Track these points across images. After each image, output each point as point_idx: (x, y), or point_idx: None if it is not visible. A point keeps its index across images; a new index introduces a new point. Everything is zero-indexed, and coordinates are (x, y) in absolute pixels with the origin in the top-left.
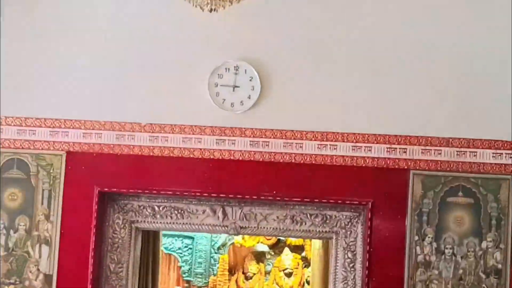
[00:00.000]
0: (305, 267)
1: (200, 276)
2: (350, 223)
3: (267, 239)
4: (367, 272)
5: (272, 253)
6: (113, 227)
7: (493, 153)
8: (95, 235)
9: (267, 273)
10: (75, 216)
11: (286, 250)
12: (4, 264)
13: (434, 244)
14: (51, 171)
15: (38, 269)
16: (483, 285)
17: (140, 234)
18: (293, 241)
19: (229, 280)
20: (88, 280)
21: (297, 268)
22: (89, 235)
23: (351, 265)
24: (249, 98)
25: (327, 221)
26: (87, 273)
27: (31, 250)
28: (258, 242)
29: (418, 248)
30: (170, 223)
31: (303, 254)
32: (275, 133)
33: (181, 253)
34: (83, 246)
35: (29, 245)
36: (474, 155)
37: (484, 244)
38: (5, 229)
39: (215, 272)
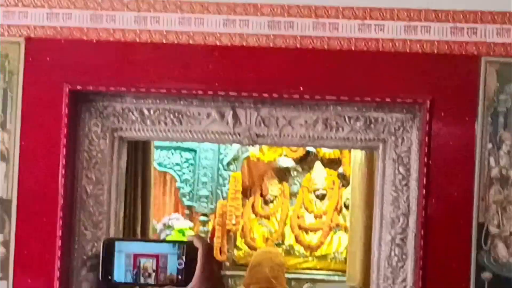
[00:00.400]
0: (342, 187)
1: (205, 200)
2: (402, 128)
3: (293, 151)
4: (424, 191)
5: (300, 170)
6: (90, 137)
7: None
8: (65, 148)
9: (293, 195)
10: (39, 123)
11: (318, 165)
12: None
13: None
14: (6, 64)
15: None
16: None
17: (125, 145)
18: (327, 153)
19: (243, 205)
20: (58, 206)
21: (332, 188)
22: (58, 148)
23: (403, 182)
24: None
25: (372, 126)
26: (56, 197)
27: None
28: (280, 155)
29: (492, 159)
30: (164, 130)
31: (340, 170)
32: (302, 10)
33: (179, 171)
34: (50, 162)
35: None
36: None
37: None
38: None
39: (224, 195)
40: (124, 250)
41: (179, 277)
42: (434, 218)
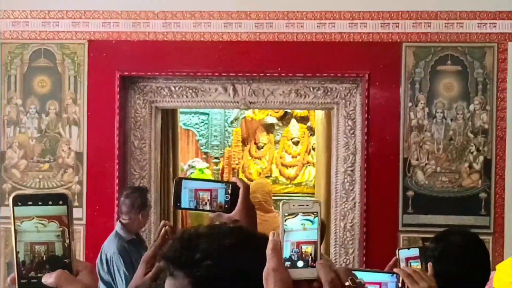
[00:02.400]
0: (310, 135)
1: (216, 147)
2: (349, 94)
3: (275, 112)
4: (366, 137)
5: (280, 124)
6: (135, 107)
7: (478, 23)
8: (119, 115)
9: (277, 142)
10: (100, 99)
11: (293, 121)
12: (39, 145)
13: (426, 109)
14: (75, 58)
15: (69, 148)
16: (472, 144)
17: (160, 112)
18: (299, 112)
19: (243, 150)
20: (115, 155)
21: (303, 137)
22: (114, 115)
23: (351, 131)
24: None
25: (328, 93)
26: (113, 150)
27: (62, 131)
28: (267, 115)
29: (411, 113)
30: (186, 101)
31: (309, 124)
32: (278, 15)
33: (198, 128)
34: (108, 126)
35: (60, 127)
36: (461, 26)
37: (471, 107)
38: (37, 113)
39: (229, 143)
40: (188, 186)
41: (226, 206)
42: (373, 155)
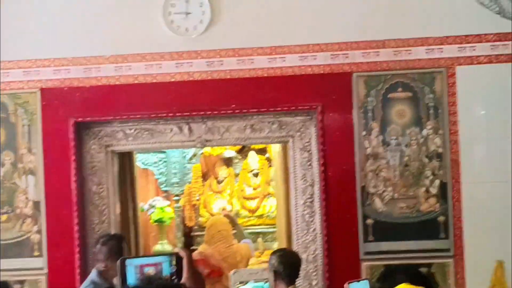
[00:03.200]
0: (269, 166)
1: (176, 185)
2: (303, 126)
3: (234, 146)
4: (323, 168)
5: (239, 157)
6: (91, 153)
7: (426, 49)
8: (75, 161)
9: (236, 175)
10: (55, 147)
11: (252, 153)
12: None
13: (380, 137)
14: (28, 108)
15: (26, 198)
16: (427, 168)
17: (116, 156)
18: (257, 145)
19: (203, 185)
20: (73, 202)
21: (263, 168)
22: (70, 162)
23: (308, 163)
24: (201, 22)
25: (283, 127)
26: (71, 197)
27: (18, 181)
28: (225, 149)
29: (366, 141)
30: (141, 143)
31: (267, 155)
32: (228, 52)
33: (156, 166)
34: (65, 173)
35: (16, 177)
36: (409, 53)
37: (424, 132)
38: None
39: (189, 180)
40: (133, 263)
41: (172, 277)
42: (331, 185)
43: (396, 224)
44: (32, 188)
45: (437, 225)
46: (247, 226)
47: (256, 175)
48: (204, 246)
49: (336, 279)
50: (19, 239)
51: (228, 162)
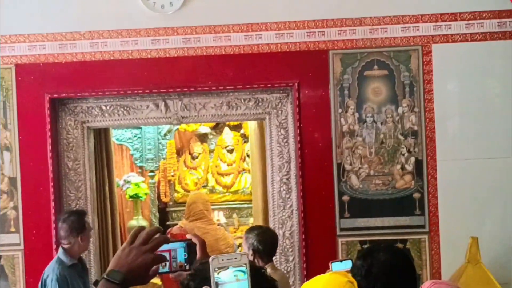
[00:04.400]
0: (244, 143)
1: (151, 161)
2: (280, 103)
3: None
4: (299, 145)
5: (214, 133)
6: (66, 129)
7: (401, 27)
8: (51, 138)
9: (211, 151)
10: (31, 123)
11: (226, 129)
12: None
13: (356, 114)
14: (3, 83)
15: (2, 174)
16: (402, 146)
17: (92, 132)
18: (232, 122)
19: (178, 161)
20: (49, 178)
21: (237, 144)
22: (46, 138)
23: (284, 140)
24: None
25: (260, 104)
26: (47, 173)
27: None
28: (200, 125)
29: (342, 119)
30: (118, 119)
31: (242, 131)
32: (205, 29)
33: (131, 143)
34: (41, 149)
35: None
36: (385, 31)
37: (400, 110)
38: None
39: (164, 156)
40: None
41: (185, 264)
42: (307, 162)
43: (372, 201)
44: (7, 164)
45: (413, 202)
46: (222, 201)
47: (230, 151)
48: (184, 221)
49: (312, 255)
50: None
51: (202, 138)
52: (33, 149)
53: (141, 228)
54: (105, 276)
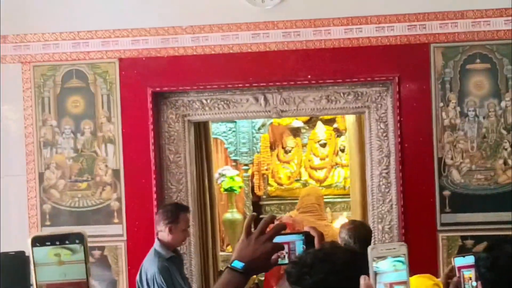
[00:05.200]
0: (337, 137)
1: (245, 154)
2: (380, 97)
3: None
4: (399, 139)
5: (307, 128)
6: (168, 122)
7: (504, 20)
8: (153, 131)
9: (304, 145)
10: (133, 116)
11: (319, 123)
12: (76, 164)
13: (458, 108)
14: (107, 77)
15: (106, 166)
16: (505, 140)
17: (192, 125)
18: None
19: (271, 155)
20: (152, 170)
21: (330, 139)
22: (148, 131)
23: (384, 134)
24: None
25: (359, 98)
26: (150, 165)
27: (98, 149)
28: (293, 120)
29: (443, 113)
30: (218, 113)
31: (335, 125)
32: (305, 23)
33: (226, 136)
34: (143, 141)
35: (96, 145)
36: (488, 24)
37: (503, 104)
38: (73, 133)
39: (258, 150)
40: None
41: None
42: (407, 157)
43: (473, 196)
44: (111, 157)
45: None
46: None
47: (323, 145)
48: (295, 212)
49: (412, 249)
50: (99, 206)
51: (295, 132)
52: (136, 142)
53: (253, 217)
54: (229, 265)
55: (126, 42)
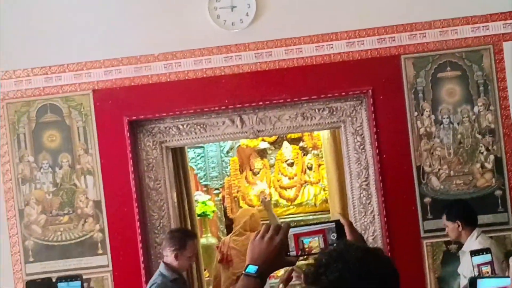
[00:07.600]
0: (304, 155)
1: (216, 178)
2: (354, 111)
3: (268, 137)
4: (377, 151)
5: (273, 148)
6: (146, 150)
7: (471, 28)
8: (132, 159)
9: (271, 166)
10: (111, 146)
11: (285, 143)
12: (56, 198)
13: (433, 116)
14: (82, 110)
15: (87, 198)
16: (480, 144)
17: (170, 151)
18: (291, 134)
19: (240, 178)
20: (133, 198)
21: (297, 157)
22: (127, 160)
23: (361, 147)
24: (247, 15)
25: (334, 113)
26: (131, 194)
27: (77, 182)
28: (260, 141)
29: (418, 122)
30: (195, 137)
31: (301, 144)
32: (276, 43)
33: (195, 162)
34: (123, 171)
35: (75, 178)
36: (456, 32)
37: (476, 109)
38: (51, 168)
39: (228, 173)
40: (292, 232)
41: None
42: (386, 167)
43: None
44: (91, 188)
45: (495, 199)
46: (286, 215)
47: (291, 164)
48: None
49: (398, 258)
50: (82, 239)
51: (262, 153)
52: (115, 171)
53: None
54: (243, 272)
55: (99, 73)
